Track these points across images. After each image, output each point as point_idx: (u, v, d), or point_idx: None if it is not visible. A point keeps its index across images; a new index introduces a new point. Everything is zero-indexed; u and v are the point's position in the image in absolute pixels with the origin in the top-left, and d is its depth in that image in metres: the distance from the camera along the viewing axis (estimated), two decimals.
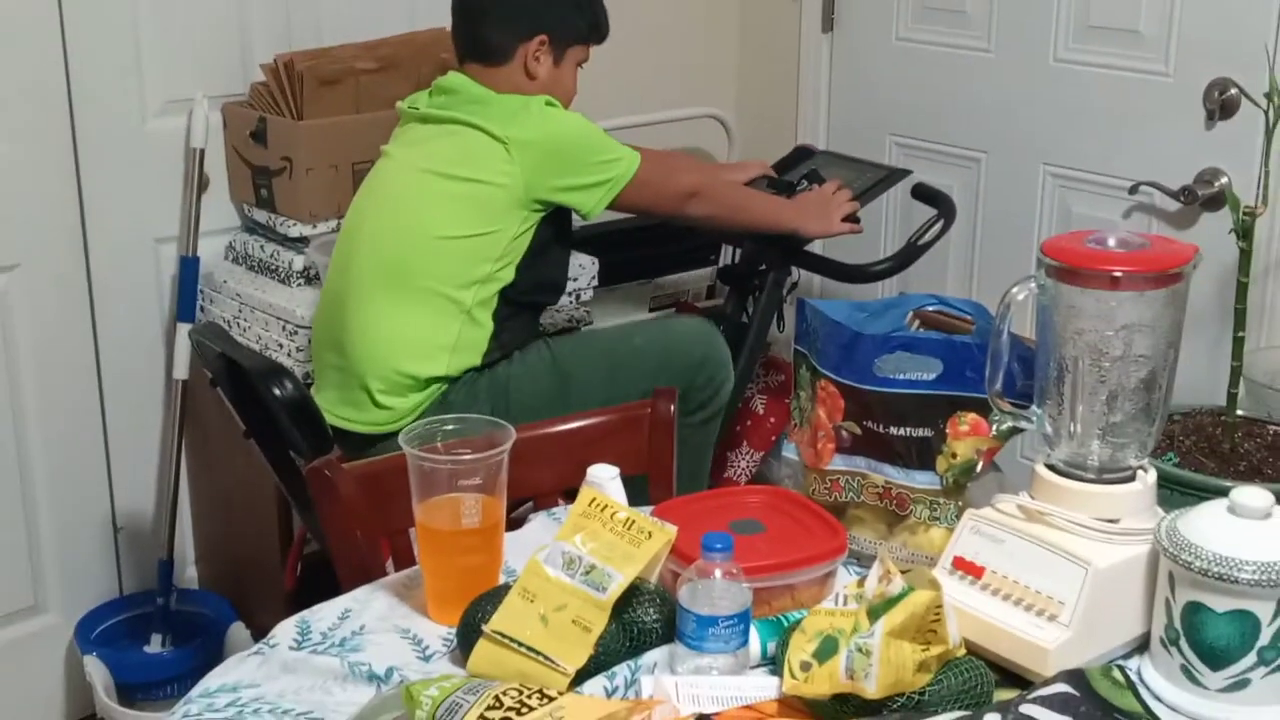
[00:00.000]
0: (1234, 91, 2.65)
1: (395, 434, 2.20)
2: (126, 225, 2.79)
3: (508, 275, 2.39)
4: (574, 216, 2.49)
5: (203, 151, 2.80)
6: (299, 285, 2.73)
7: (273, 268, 2.79)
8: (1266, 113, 2.32)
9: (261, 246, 2.82)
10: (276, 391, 2.30)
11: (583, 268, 2.81)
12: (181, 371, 2.83)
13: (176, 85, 2.78)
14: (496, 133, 2.34)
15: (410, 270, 2.36)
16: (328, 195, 2.75)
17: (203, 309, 2.86)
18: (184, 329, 2.80)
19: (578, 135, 2.40)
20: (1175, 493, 2.05)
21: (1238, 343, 2.42)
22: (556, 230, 2.45)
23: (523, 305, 2.45)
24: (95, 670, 2.72)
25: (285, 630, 1.48)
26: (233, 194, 2.90)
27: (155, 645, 2.86)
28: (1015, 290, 1.45)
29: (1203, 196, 2.73)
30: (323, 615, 1.51)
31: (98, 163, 2.73)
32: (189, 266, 2.82)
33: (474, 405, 2.32)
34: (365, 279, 2.39)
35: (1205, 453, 2.33)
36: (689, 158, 3.12)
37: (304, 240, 2.75)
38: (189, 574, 3.02)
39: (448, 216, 2.36)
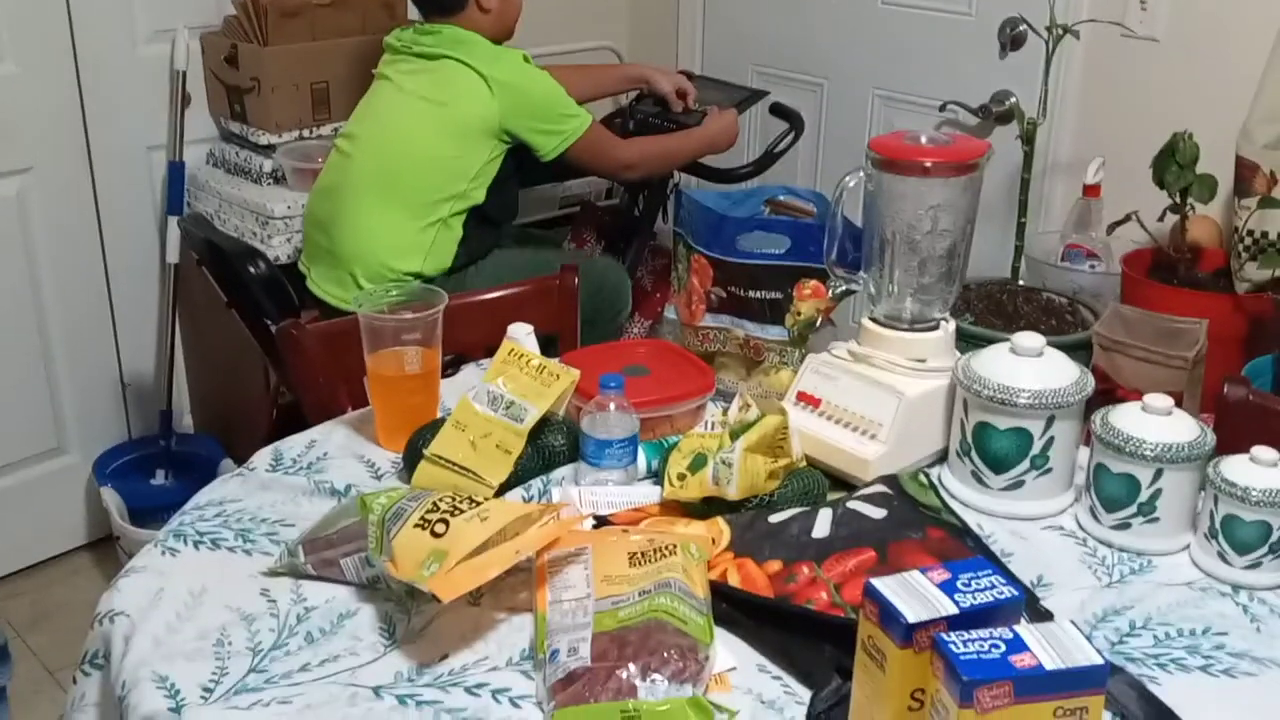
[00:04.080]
0: (1023, 28, 2.65)
1: None
2: (123, 135, 2.69)
3: (479, 195, 2.33)
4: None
5: (185, 73, 2.69)
6: (269, 184, 2.67)
7: (246, 170, 2.71)
8: (1047, 43, 2.32)
9: (236, 153, 2.74)
10: (252, 269, 2.25)
11: None
12: (173, 256, 2.75)
13: (162, 17, 2.67)
14: (481, 70, 2.28)
15: (400, 180, 2.29)
16: (290, 110, 2.67)
17: (189, 204, 2.77)
18: (174, 221, 2.73)
19: (547, 90, 2.34)
20: (970, 345, 2.07)
21: (1020, 227, 2.45)
22: (516, 165, 2.39)
23: (486, 221, 2.39)
24: (111, 499, 2.69)
25: (262, 457, 1.46)
26: (211, 109, 2.79)
27: (159, 478, 2.84)
28: (848, 179, 1.44)
29: (996, 113, 2.74)
30: (293, 445, 1.49)
31: (97, 83, 2.62)
32: (176, 169, 2.72)
33: None
34: (360, 182, 2.31)
35: (994, 313, 2.37)
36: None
37: (272, 147, 2.68)
38: (185, 421, 2.97)
39: (435, 138, 2.29)
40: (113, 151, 2.68)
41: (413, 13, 2.96)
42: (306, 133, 2.72)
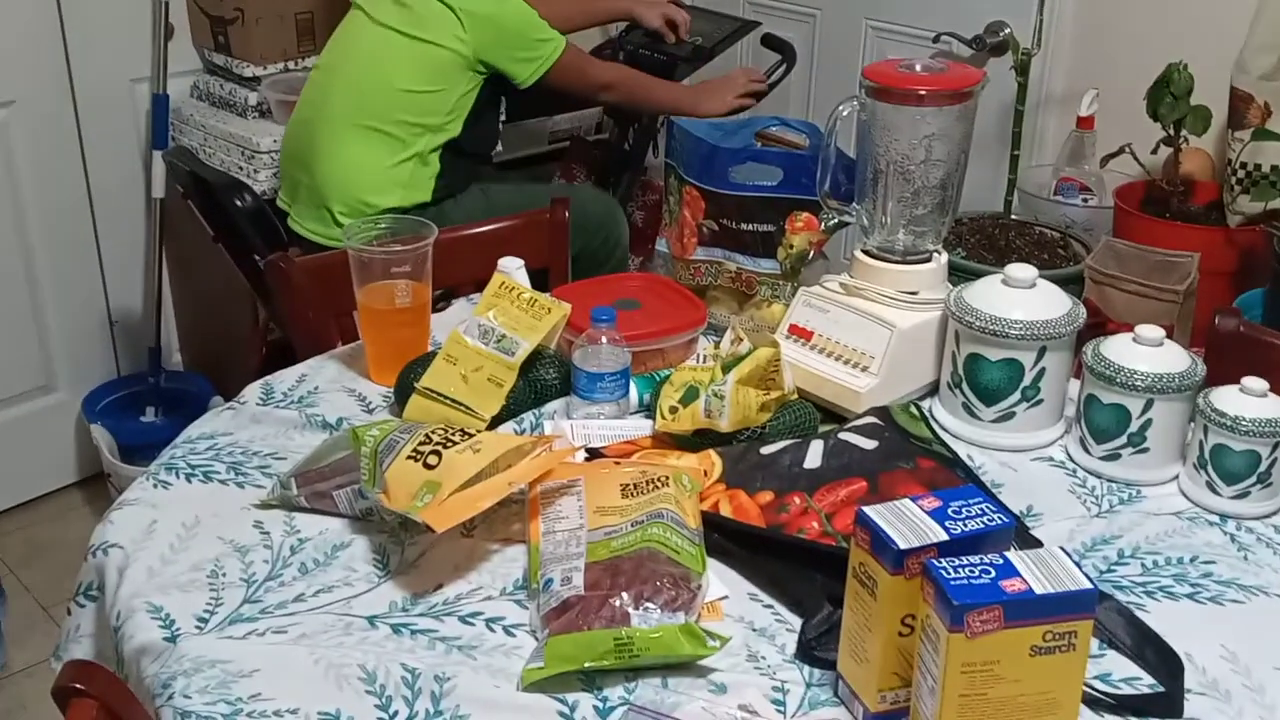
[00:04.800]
0: None
1: None
2: (105, 67, 2.65)
3: (455, 129, 2.30)
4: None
5: (168, 4, 2.64)
6: (254, 117, 2.64)
7: (231, 103, 2.68)
8: None
9: (221, 85, 2.70)
10: (238, 202, 2.23)
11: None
12: (159, 190, 2.72)
13: None
14: (452, 3, 2.23)
15: (376, 115, 2.25)
16: (275, 41, 2.64)
17: (174, 139, 2.74)
18: (159, 155, 2.69)
19: (519, 15, 2.29)
20: (962, 279, 2.07)
21: (1014, 160, 2.44)
22: (492, 96, 2.36)
23: (463, 154, 2.36)
24: (101, 436, 2.69)
25: (252, 391, 1.46)
26: (195, 40, 2.75)
27: (149, 416, 2.83)
28: (841, 108, 1.43)
29: (990, 44, 2.70)
30: (284, 379, 1.49)
31: (78, 12, 2.58)
32: (160, 102, 2.68)
33: None
34: (336, 116, 2.27)
35: (986, 248, 2.36)
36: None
37: (256, 80, 2.64)
38: (174, 359, 2.96)
39: (409, 72, 2.25)
40: (95, 84, 2.65)
41: None
42: (291, 64, 2.68)
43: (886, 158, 1.41)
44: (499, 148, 2.64)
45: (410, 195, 2.29)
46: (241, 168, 2.57)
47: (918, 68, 1.40)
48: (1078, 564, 0.89)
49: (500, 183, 2.53)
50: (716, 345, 1.42)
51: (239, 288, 2.54)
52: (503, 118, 2.75)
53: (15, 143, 2.57)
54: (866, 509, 0.93)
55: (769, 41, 2.84)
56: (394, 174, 2.27)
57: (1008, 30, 2.66)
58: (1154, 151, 2.23)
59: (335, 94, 2.30)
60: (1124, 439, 1.29)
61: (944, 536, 0.91)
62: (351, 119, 2.26)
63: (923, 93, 1.37)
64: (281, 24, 2.63)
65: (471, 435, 1.17)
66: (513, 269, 1.58)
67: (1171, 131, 2.17)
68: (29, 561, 2.60)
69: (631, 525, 1.10)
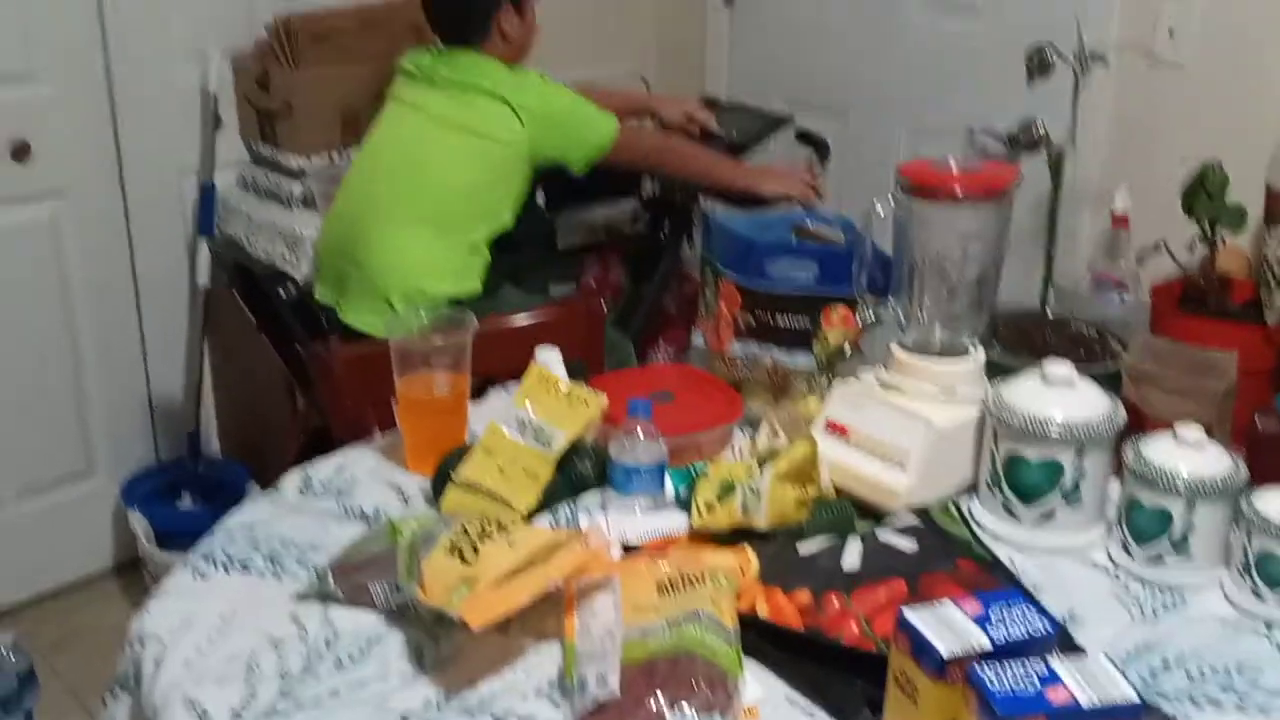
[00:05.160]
0: (1049, 54, 2.64)
1: None
2: (155, 158, 2.71)
3: (508, 218, 2.35)
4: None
5: (217, 97, 2.73)
6: (298, 208, 2.68)
7: (276, 193, 2.72)
8: (1075, 71, 2.32)
9: (267, 176, 2.76)
10: (281, 292, 2.27)
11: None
12: (203, 278, 2.77)
13: (194, 39, 2.70)
14: (509, 99, 2.29)
15: (428, 206, 2.30)
16: (320, 134, 2.69)
17: (219, 227, 2.79)
18: (205, 243, 2.74)
19: (571, 108, 2.36)
20: (999, 375, 2.07)
21: (1049, 257, 2.44)
22: (537, 182, 2.42)
23: (509, 246, 2.40)
24: (138, 522, 2.70)
25: (291, 480, 1.46)
26: (242, 132, 2.81)
27: (186, 502, 2.85)
28: (877, 205, 1.44)
29: (1024, 140, 2.73)
30: (322, 469, 1.50)
31: (130, 106, 2.65)
32: (208, 192, 2.75)
33: None
34: (387, 208, 2.31)
35: (1022, 344, 2.34)
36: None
37: (301, 171, 2.69)
38: (213, 445, 2.98)
39: (465, 166, 2.31)
40: (145, 174, 2.71)
41: None
42: (336, 156, 2.73)
43: (923, 255, 1.42)
44: (556, 238, 2.66)
45: (462, 283, 2.33)
46: (285, 256, 2.61)
47: (953, 166, 1.41)
48: (1122, 672, 0.87)
49: (529, 293, 2.55)
50: (753, 439, 1.42)
51: (278, 376, 2.57)
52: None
53: (65, 229, 2.63)
54: (907, 612, 0.92)
55: (803, 136, 2.88)
56: (447, 261, 2.31)
57: (1041, 127, 2.68)
58: (1190, 249, 2.23)
59: (384, 186, 2.34)
60: (1166, 542, 1.27)
61: (987, 643, 0.89)
62: (404, 210, 2.31)
63: (959, 191, 1.38)
64: (327, 117, 2.69)
65: (507, 529, 1.17)
66: (550, 360, 1.59)
67: (1207, 230, 2.17)
68: (61, 648, 2.60)
69: (668, 624, 1.09)
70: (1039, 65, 2.68)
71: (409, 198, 2.31)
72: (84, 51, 2.56)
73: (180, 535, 2.69)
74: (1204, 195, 2.13)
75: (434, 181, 2.31)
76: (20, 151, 2.51)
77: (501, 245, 2.42)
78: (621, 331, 2.60)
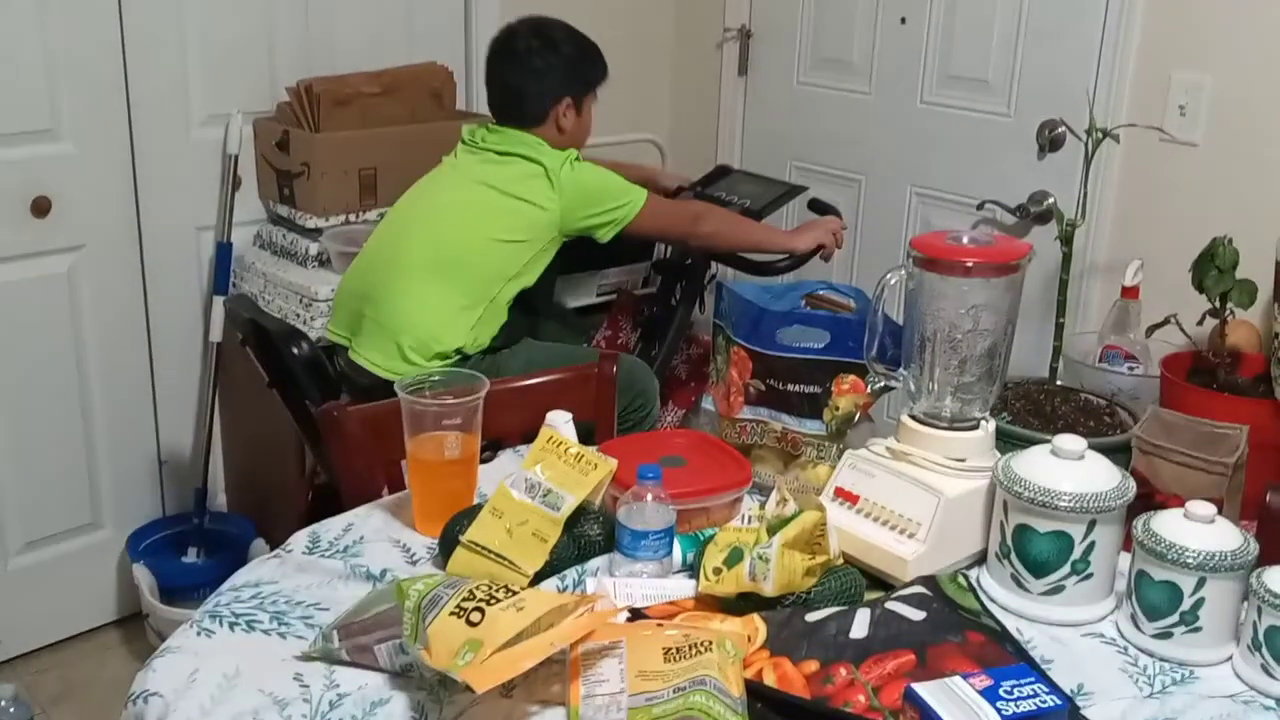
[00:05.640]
0: (1061, 129, 2.68)
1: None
2: (173, 215, 2.75)
3: (530, 280, 2.40)
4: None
5: (237, 157, 2.76)
6: (314, 267, 2.71)
7: (292, 253, 2.76)
8: (1086, 146, 2.34)
9: (283, 235, 2.79)
10: (295, 350, 2.28)
11: None
12: (216, 335, 2.79)
13: (216, 102, 2.74)
14: (546, 166, 2.36)
15: (457, 260, 2.34)
16: (338, 195, 2.73)
17: (235, 285, 2.82)
18: (219, 300, 2.77)
19: (601, 185, 2.42)
20: (1009, 444, 2.06)
21: (1059, 327, 2.45)
22: (558, 250, 2.46)
23: (528, 307, 2.44)
24: (142, 576, 2.70)
25: (299, 539, 1.46)
26: (261, 192, 2.85)
27: (191, 556, 2.84)
28: (889, 276, 1.45)
29: (1034, 212, 2.76)
30: (330, 527, 1.50)
31: (151, 165, 2.69)
32: (224, 250, 2.78)
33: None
34: (415, 259, 2.35)
35: (1032, 413, 2.35)
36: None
37: (318, 231, 2.72)
38: (219, 500, 2.98)
39: (500, 224, 2.35)
40: (162, 231, 2.74)
41: (460, 101, 3.04)
42: (353, 217, 2.77)
43: (933, 326, 1.43)
44: (556, 298, 2.71)
45: (476, 338, 2.36)
46: (299, 315, 2.63)
47: (965, 240, 1.42)
48: None
49: (548, 341, 2.57)
50: (762, 506, 1.41)
51: (288, 432, 2.57)
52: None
53: (82, 284, 2.65)
54: (916, 686, 0.92)
55: (815, 205, 2.90)
56: (467, 316, 2.35)
57: (1052, 200, 2.70)
58: (1200, 323, 2.23)
59: (410, 235, 2.39)
60: (1176, 617, 1.26)
61: (996, 718, 0.89)
62: (432, 263, 2.35)
63: (970, 264, 1.39)
64: (345, 179, 2.72)
65: (515, 593, 1.17)
66: (560, 423, 1.59)
67: (1217, 304, 2.17)
68: (62, 700, 2.58)
69: (674, 691, 1.08)
70: (1050, 140, 2.71)
71: (433, 248, 2.36)
72: (107, 110, 2.60)
73: (184, 589, 2.69)
74: (1214, 270, 2.13)
75: (460, 236, 2.35)
76: (41, 207, 2.54)
77: (529, 307, 2.46)
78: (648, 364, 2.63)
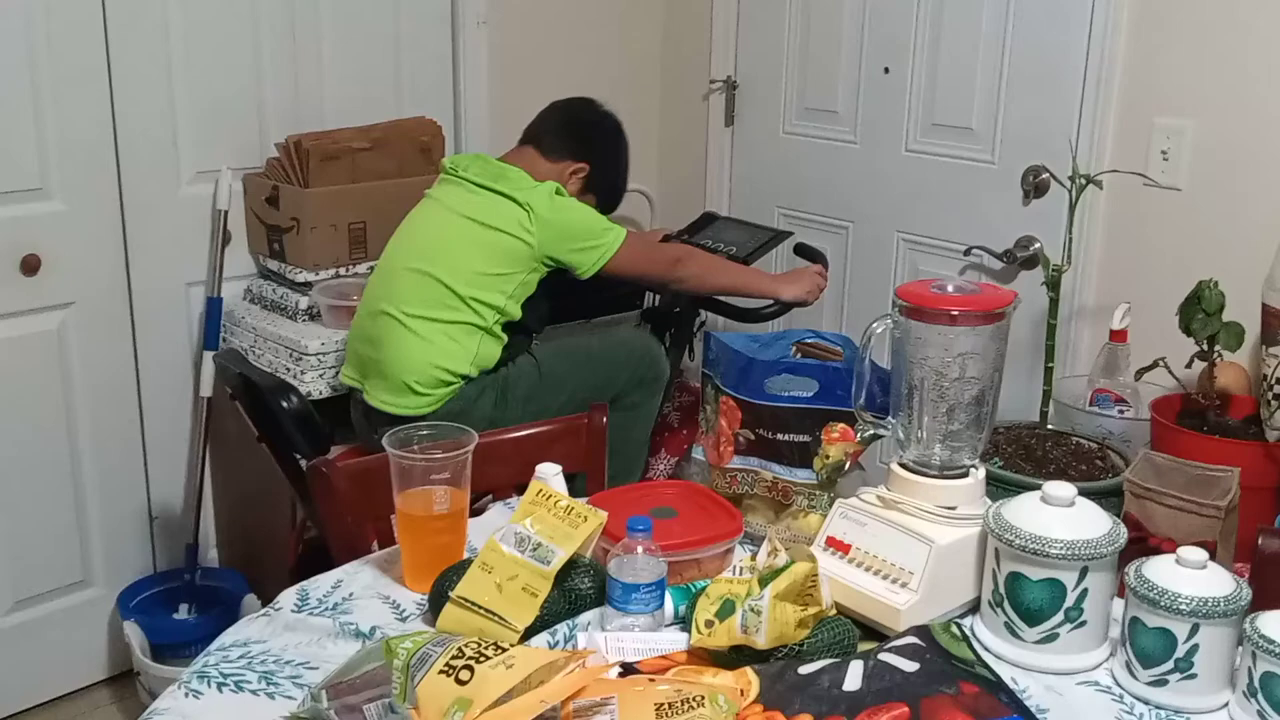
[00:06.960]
0: (1045, 175, 2.69)
1: (425, 416, 2.30)
2: (163, 271, 2.75)
3: (516, 310, 2.44)
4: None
5: (226, 212, 2.77)
6: (304, 321, 2.71)
7: (282, 307, 2.76)
8: (1070, 192, 2.35)
9: (273, 289, 2.79)
10: (284, 404, 2.27)
11: None
12: (207, 390, 2.78)
13: (205, 159, 2.75)
14: (521, 201, 2.40)
15: (448, 296, 2.39)
16: (328, 249, 2.74)
17: (225, 339, 2.81)
18: (209, 355, 2.76)
19: (581, 219, 2.47)
20: (999, 489, 2.05)
21: (1048, 372, 2.45)
22: (548, 282, 2.50)
23: (520, 330, 2.49)
24: (133, 633, 2.67)
25: (288, 597, 1.45)
26: (250, 247, 2.86)
27: (183, 613, 2.81)
28: (875, 325, 1.45)
29: (1020, 258, 2.77)
30: (319, 584, 1.48)
31: (140, 221, 2.69)
32: (214, 305, 2.78)
33: (483, 394, 2.42)
34: (406, 301, 2.40)
35: (1022, 458, 2.34)
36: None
37: (308, 285, 2.73)
38: (211, 555, 2.96)
39: (481, 256, 2.40)
40: (152, 287, 2.74)
41: (449, 154, 3.05)
42: (343, 270, 2.77)
43: (920, 374, 1.43)
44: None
45: (478, 364, 2.42)
46: (289, 368, 2.62)
47: (950, 288, 1.43)
48: None
49: (546, 343, 2.60)
50: (753, 556, 1.40)
51: (278, 487, 2.56)
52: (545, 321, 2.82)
53: (71, 340, 2.64)
54: None
55: (801, 250, 2.91)
56: (466, 346, 2.40)
57: (1038, 245, 2.72)
58: (1189, 366, 2.24)
59: (403, 281, 2.42)
60: (1170, 664, 1.25)
61: None
62: (422, 303, 2.39)
63: (955, 313, 1.39)
64: (335, 233, 2.73)
65: (505, 650, 1.16)
66: (550, 475, 1.58)
67: (1205, 347, 2.18)
68: None
69: None
70: (1035, 186, 2.73)
71: (421, 289, 2.40)
72: (97, 168, 2.61)
73: (176, 647, 2.66)
74: (1201, 313, 2.14)
75: (445, 272, 2.40)
76: (31, 265, 2.54)
77: (524, 329, 2.51)
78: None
